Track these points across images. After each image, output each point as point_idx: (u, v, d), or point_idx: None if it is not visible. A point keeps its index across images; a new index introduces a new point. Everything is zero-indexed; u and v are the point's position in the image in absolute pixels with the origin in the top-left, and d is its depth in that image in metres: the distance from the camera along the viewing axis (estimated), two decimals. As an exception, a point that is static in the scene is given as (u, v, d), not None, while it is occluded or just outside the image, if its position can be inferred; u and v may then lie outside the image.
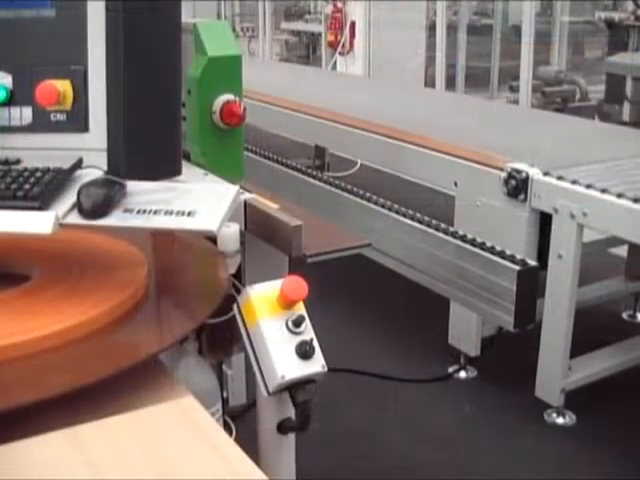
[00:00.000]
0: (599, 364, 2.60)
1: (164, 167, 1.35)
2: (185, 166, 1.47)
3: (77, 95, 1.25)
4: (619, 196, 2.17)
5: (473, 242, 2.26)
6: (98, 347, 1.05)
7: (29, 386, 0.95)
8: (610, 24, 7.44)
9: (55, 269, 1.21)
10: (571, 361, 2.47)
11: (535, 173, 2.39)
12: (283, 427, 1.24)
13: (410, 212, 2.52)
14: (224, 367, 1.67)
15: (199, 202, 1.13)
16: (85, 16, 1.25)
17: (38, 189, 1.11)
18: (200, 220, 1.09)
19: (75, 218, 1.11)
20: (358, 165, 4.53)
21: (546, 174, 2.39)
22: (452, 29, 6.88)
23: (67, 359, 1.02)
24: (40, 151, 1.23)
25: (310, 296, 1.19)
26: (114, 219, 1.11)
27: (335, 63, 6.86)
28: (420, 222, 2.45)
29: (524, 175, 2.39)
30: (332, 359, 1.23)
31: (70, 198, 1.13)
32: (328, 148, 4.37)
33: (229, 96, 1.69)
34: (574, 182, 2.30)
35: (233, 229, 1.37)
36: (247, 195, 1.56)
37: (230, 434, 1.03)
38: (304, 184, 3.00)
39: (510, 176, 2.43)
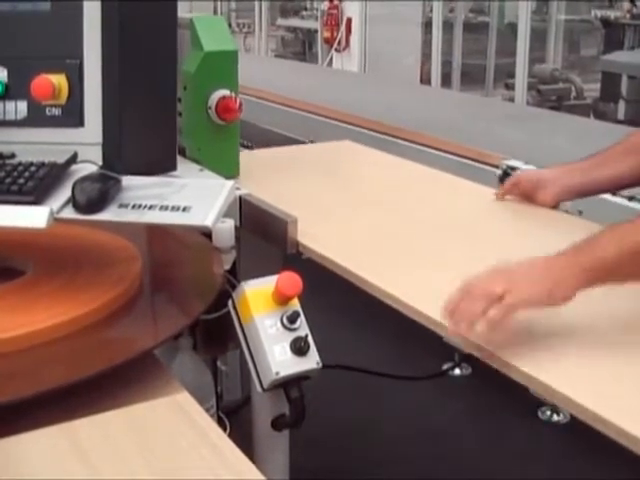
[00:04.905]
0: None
1: (159, 162, 1.35)
2: (180, 161, 1.47)
3: (72, 89, 1.24)
4: (614, 194, 2.17)
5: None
6: (92, 342, 1.04)
7: (24, 380, 0.95)
8: (606, 22, 7.47)
9: (50, 264, 1.21)
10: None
11: (530, 170, 2.39)
12: (277, 423, 1.24)
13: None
14: (218, 363, 1.67)
15: (194, 197, 1.13)
16: (81, 9, 1.25)
17: (32, 183, 1.10)
18: (195, 215, 1.09)
19: (70, 213, 1.10)
20: (353, 162, 4.52)
21: (541, 172, 2.39)
22: (448, 26, 6.89)
23: (61, 354, 1.01)
24: (35, 145, 1.23)
25: (305, 292, 1.19)
26: (109, 214, 1.10)
27: (331, 60, 6.86)
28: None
29: (519, 172, 2.39)
30: (327, 356, 1.23)
31: (65, 193, 1.12)
32: (323, 145, 4.36)
33: (225, 91, 1.69)
34: (569, 180, 2.30)
35: (228, 225, 1.36)
36: (242, 191, 1.55)
37: (224, 430, 1.03)
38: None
39: (505, 173, 2.42)
